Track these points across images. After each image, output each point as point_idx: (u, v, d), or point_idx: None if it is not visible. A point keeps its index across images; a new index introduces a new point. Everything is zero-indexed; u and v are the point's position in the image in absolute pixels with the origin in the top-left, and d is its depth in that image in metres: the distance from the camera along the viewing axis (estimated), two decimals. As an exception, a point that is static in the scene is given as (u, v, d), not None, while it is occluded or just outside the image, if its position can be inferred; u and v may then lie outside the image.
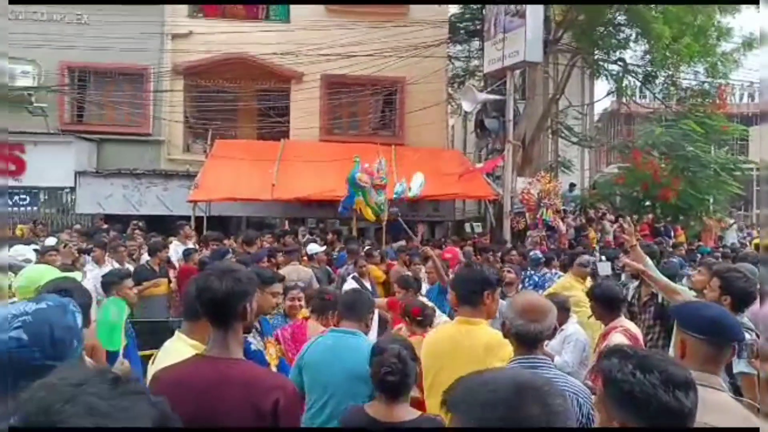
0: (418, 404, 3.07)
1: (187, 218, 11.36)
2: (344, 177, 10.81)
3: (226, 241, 9.60)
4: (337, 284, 7.77)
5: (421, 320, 4.33)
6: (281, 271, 6.76)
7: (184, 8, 15.25)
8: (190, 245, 9.28)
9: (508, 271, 6.50)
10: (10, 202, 13.72)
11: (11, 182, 13.34)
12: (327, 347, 3.27)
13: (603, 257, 6.68)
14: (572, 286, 6.32)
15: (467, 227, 13.40)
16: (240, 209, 13.54)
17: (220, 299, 2.21)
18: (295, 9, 15.56)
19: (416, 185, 10.01)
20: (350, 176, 9.88)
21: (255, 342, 3.50)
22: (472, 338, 2.99)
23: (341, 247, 10.14)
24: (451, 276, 6.37)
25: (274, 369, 3.52)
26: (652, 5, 13.60)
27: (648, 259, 4.34)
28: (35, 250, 6.69)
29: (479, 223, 13.63)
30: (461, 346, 3.00)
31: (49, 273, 3.54)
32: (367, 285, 7.32)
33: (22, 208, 13.61)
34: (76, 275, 3.94)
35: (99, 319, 3.03)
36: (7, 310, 1.66)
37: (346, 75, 15.18)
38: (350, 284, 7.14)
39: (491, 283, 3.11)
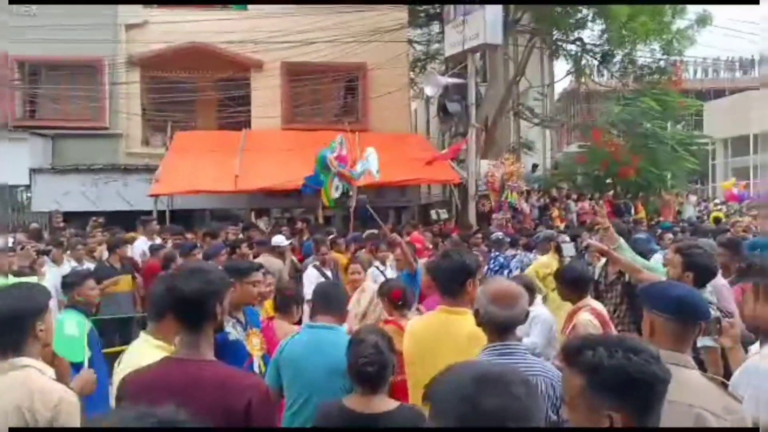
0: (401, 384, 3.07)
1: (149, 213, 11.12)
2: (309, 165, 10.69)
3: (188, 235, 9.45)
4: (299, 274, 7.73)
5: (402, 303, 4.29)
6: (251, 264, 6.69)
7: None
8: (158, 241, 9.11)
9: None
10: (-40, 202, 13.31)
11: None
12: (305, 343, 3.19)
13: (567, 237, 6.77)
14: (551, 264, 6.47)
15: (433, 214, 13.45)
16: (203, 202, 13.32)
17: (189, 300, 2.16)
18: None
19: (373, 163, 9.91)
20: (320, 155, 9.78)
21: (234, 332, 3.43)
22: (455, 328, 2.97)
23: (307, 236, 10.07)
24: (419, 263, 6.40)
25: (257, 360, 3.46)
26: None
27: (621, 240, 4.38)
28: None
29: (444, 210, 13.70)
30: (444, 335, 2.98)
31: None
32: (328, 273, 7.26)
33: (-27, 208, 13.18)
34: (30, 280, 3.70)
35: (55, 334, 2.91)
36: None
37: (307, 62, 14.99)
38: (311, 273, 7.11)
39: (472, 271, 3.10)
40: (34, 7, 13.72)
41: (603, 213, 4.44)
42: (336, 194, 9.68)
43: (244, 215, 13.23)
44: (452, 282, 3.08)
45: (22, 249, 7.09)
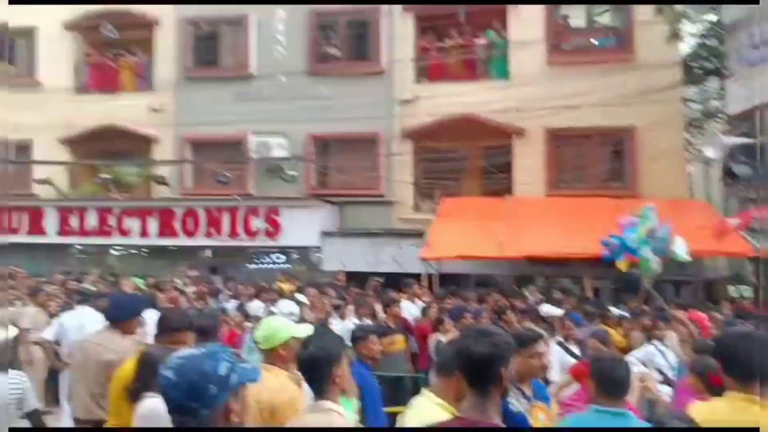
0: None
1: (417, 276, 11.75)
2: (573, 232, 10.32)
3: (449, 300, 9.73)
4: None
5: (719, 389, 3.79)
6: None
7: (410, 74, 16.14)
8: (420, 303, 9.59)
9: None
10: (269, 260, 15.68)
11: (269, 242, 15.21)
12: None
13: None
14: None
15: (732, 290, 11.88)
16: (467, 267, 13.65)
17: (477, 361, 2.26)
18: (515, 65, 15.64)
19: (680, 247, 8.92)
20: (644, 211, 9.08)
21: (516, 404, 3.38)
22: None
23: (569, 307, 9.59)
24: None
25: None
26: None
27: None
28: (298, 304, 7.46)
29: (748, 287, 11.98)
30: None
31: (286, 326, 3.69)
32: (575, 351, 6.60)
33: (278, 266, 15.42)
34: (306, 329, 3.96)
35: None
36: (175, 353, 2.03)
37: (571, 127, 14.81)
38: (554, 350, 6.38)
39: None
40: (323, 89, 15.86)
41: None
42: (655, 262, 8.74)
43: (506, 282, 13.26)
44: (755, 366, 2.76)
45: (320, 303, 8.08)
